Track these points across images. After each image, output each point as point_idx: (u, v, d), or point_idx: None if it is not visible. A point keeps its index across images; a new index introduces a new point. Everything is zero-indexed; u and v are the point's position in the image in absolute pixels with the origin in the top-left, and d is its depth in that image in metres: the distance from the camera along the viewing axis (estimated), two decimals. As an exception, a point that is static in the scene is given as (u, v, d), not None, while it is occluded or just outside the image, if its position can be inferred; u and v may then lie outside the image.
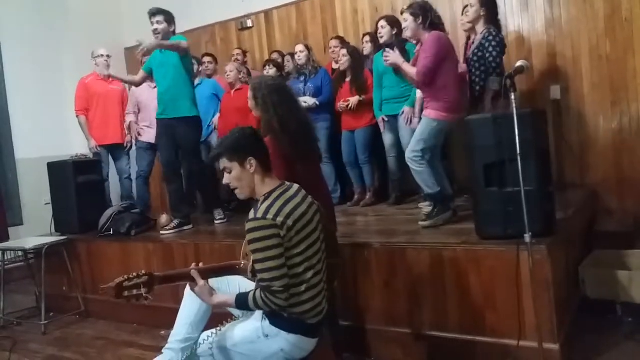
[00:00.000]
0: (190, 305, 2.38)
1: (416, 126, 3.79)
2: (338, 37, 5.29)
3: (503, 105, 3.01)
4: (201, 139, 5.20)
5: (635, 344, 2.94)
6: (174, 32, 4.34)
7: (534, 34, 4.70)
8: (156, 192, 6.48)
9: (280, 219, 1.99)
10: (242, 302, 2.06)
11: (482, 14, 3.61)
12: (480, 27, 3.64)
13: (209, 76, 5.63)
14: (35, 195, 5.84)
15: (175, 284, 2.26)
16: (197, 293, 2.18)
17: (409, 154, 3.52)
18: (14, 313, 4.61)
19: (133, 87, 5.22)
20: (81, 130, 5.37)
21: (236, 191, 2.19)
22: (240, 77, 5.04)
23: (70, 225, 4.77)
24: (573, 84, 4.55)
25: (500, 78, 3.29)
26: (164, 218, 4.70)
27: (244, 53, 5.85)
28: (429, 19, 3.45)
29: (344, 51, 4.76)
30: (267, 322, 2.09)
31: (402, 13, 4.10)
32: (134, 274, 2.07)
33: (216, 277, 2.33)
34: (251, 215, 2.03)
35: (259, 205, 2.06)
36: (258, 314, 2.13)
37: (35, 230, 5.27)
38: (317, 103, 4.84)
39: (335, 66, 5.11)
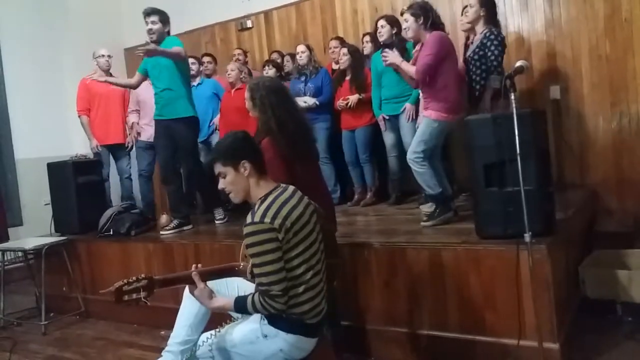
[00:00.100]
0: (189, 307, 2.38)
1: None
2: (338, 38, 5.30)
3: (503, 105, 3.01)
4: (202, 139, 5.22)
5: (635, 344, 2.94)
6: (168, 33, 4.32)
7: (534, 34, 4.70)
8: (156, 192, 6.47)
9: (277, 222, 1.99)
10: (241, 305, 2.07)
11: (481, 14, 3.61)
12: (480, 27, 3.64)
13: (208, 76, 5.63)
14: (35, 196, 5.84)
15: (175, 286, 2.26)
16: (196, 296, 2.18)
17: (410, 155, 3.52)
18: (14, 313, 4.61)
19: (134, 86, 5.23)
20: (83, 130, 5.36)
21: (230, 195, 2.19)
22: (241, 76, 5.05)
23: (70, 226, 4.77)
24: (573, 84, 4.55)
25: (501, 76, 3.29)
26: (163, 218, 4.70)
27: (245, 53, 5.85)
28: (430, 19, 3.45)
29: (345, 50, 4.77)
30: (266, 322, 2.09)
31: (402, 14, 4.10)
32: (134, 278, 2.07)
33: (216, 279, 2.33)
34: (248, 219, 2.02)
35: (255, 208, 2.06)
36: (257, 314, 2.13)
37: (35, 230, 5.26)
38: (317, 103, 4.85)
39: (335, 66, 5.12)
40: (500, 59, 3.54)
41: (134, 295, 2.06)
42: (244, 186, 2.15)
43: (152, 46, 4.10)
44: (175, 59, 4.21)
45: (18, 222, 6.01)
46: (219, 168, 2.16)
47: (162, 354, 2.43)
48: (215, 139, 5.29)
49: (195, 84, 5.29)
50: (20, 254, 4.90)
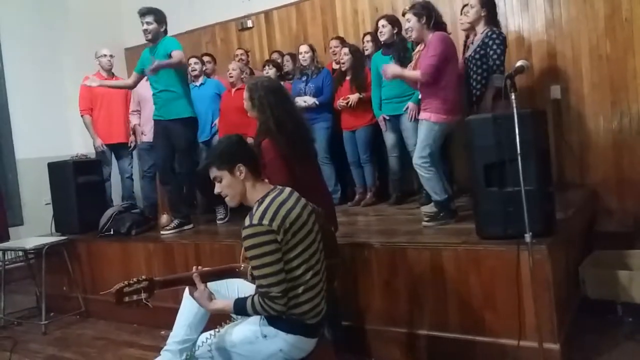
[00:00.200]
0: (189, 307, 2.38)
1: None
2: (338, 38, 5.29)
3: (503, 105, 3.01)
4: (205, 139, 5.21)
5: (635, 344, 2.94)
6: (165, 32, 4.30)
7: (534, 34, 4.70)
8: (159, 192, 6.47)
9: (275, 224, 1.99)
10: (241, 307, 2.07)
11: (483, 14, 3.60)
12: (481, 27, 3.63)
13: (207, 75, 5.62)
14: (35, 195, 5.85)
15: (175, 287, 2.27)
16: (195, 298, 2.18)
17: (417, 161, 3.50)
18: (14, 313, 4.61)
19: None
20: (86, 130, 5.35)
21: (227, 199, 2.20)
22: (242, 76, 5.04)
23: (71, 225, 4.77)
24: (573, 84, 4.55)
25: (503, 75, 3.29)
26: (164, 218, 4.70)
27: (247, 53, 5.84)
28: (433, 19, 3.44)
29: (346, 50, 4.77)
30: (265, 322, 2.09)
31: (404, 14, 4.09)
32: (134, 279, 2.07)
33: (216, 280, 2.34)
34: (246, 221, 2.02)
35: (253, 211, 2.06)
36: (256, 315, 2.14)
37: (36, 230, 5.27)
38: (317, 103, 4.84)
39: (335, 66, 5.12)
40: (502, 58, 3.53)
41: (135, 297, 2.06)
42: (240, 189, 2.16)
43: (156, 63, 4.09)
44: (177, 67, 4.21)
45: (18, 221, 6.02)
46: (214, 172, 2.18)
47: (161, 352, 2.44)
48: (217, 139, 5.27)
49: (197, 84, 5.29)
50: (20, 253, 4.92)
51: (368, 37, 4.93)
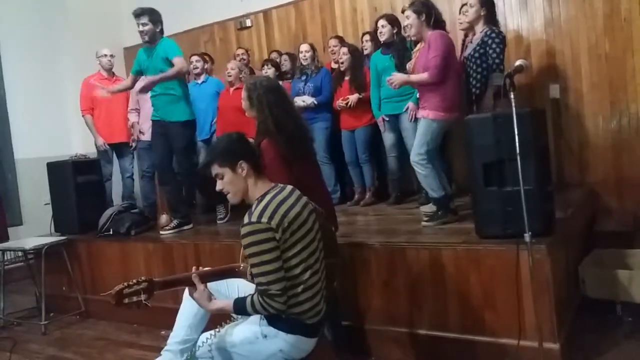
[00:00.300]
0: (189, 307, 2.38)
1: None
2: (337, 37, 5.29)
3: (502, 104, 3.01)
4: (204, 138, 5.21)
5: (635, 344, 2.94)
6: (161, 32, 4.27)
7: (533, 33, 4.70)
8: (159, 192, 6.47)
9: (274, 222, 1.99)
10: (240, 307, 2.07)
11: (482, 13, 3.60)
12: (480, 27, 3.63)
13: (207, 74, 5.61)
14: (34, 196, 5.83)
15: (175, 288, 2.27)
16: (195, 298, 2.18)
17: (414, 158, 3.51)
18: (14, 313, 4.61)
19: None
20: (87, 129, 5.35)
21: (229, 196, 2.20)
22: (240, 76, 5.04)
23: (70, 225, 4.77)
24: (572, 83, 4.55)
25: (503, 74, 3.28)
26: (163, 218, 4.70)
27: (247, 53, 5.83)
28: (433, 16, 3.44)
29: (345, 49, 4.77)
30: (265, 322, 2.09)
31: (403, 11, 4.09)
32: (134, 281, 2.07)
33: (216, 280, 2.33)
34: (245, 219, 2.02)
35: (252, 208, 2.06)
36: (256, 315, 2.13)
37: (35, 230, 5.26)
38: (316, 102, 4.83)
39: (334, 66, 5.11)
40: (501, 57, 3.54)
41: (135, 298, 2.06)
42: (242, 186, 2.16)
43: (149, 80, 4.09)
44: (178, 77, 4.20)
45: (18, 221, 6.01)
46: (216, 170, 2.17)
47: (162, 353, 2.44)
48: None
49: (199, 82, 5.29)
50: (20, 253, 4.90)
51: (367, 37, 4.93)
